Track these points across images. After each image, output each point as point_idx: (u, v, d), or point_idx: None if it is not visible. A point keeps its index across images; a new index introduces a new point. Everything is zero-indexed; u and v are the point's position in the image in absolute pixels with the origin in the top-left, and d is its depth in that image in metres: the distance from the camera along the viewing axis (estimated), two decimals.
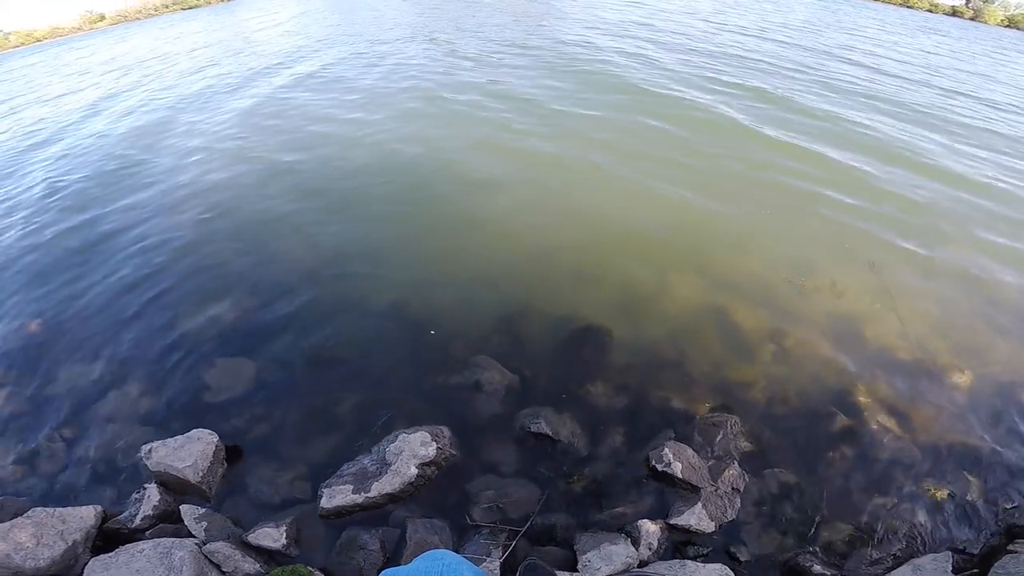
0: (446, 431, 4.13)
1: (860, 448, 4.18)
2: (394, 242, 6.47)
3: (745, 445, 4.13)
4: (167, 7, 44.57)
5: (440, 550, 1.77)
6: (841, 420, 4.33)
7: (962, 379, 4.75)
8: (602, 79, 12.42)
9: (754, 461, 4.03)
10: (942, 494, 3.88)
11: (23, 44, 41.29)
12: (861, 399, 4.52)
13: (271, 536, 3.47)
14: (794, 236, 6.65)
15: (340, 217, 7.01)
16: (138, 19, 43.92)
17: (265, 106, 12.06)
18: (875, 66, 16.47)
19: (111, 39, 32.27)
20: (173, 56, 21.12)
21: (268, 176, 8.29)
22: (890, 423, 4.35)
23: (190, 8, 44.88)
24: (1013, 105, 14.03)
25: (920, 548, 3.54)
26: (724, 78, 12.80)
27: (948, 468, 4.07)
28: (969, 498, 3.88)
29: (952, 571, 3.13)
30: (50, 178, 9.66)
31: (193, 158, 9.58)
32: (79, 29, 44.15)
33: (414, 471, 3.77)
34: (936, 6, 52.90)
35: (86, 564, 3.18)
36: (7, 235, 7.72)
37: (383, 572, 1.65)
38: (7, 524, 3.35)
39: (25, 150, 11.72)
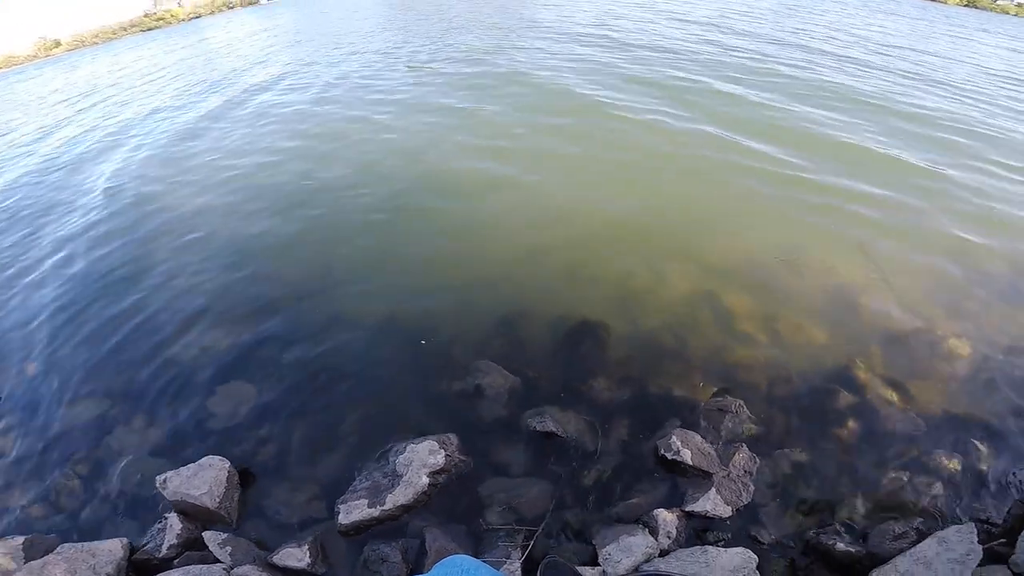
0: (453, 438, 4.15)
1: (865, 423, 4.24)
2: (382, 252, 6.50)
3: (752, 428, 4.17)
4: (125, 30, 43.98)
5: (458, 556, 1.83)
6: (844, 397, 4.39)
7: (960, 347, 4.84)
8: (572, 81, 12.37)
9: (763, 443, 4.07)
10: (955, 465, 3.91)
11: None
12: (861, 374, 4.59)
13: (295, 556, 3.48)
14: (781, 219, 6.78)
15: (323, 231, 7.08)
16: (96, 43, 43.36)
17: (232, 123, 12.12)
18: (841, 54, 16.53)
19: (65, 67, 31.80)
20: (129, 80, 20.86)
21: (243, 195, 8.32)
22: (893, 396, 4.43)
23: (148, 30, 44.35)
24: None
25: (941, 521, 3.56)
26: (687, 73, 12.78)
27: (957, 438, 4.12)
28: (983, 467, 3.93)
29: (979, 542, 3.08)
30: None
31: (164, 182, 9.66)
32: (35, 57, 43.53)
33: (425, 480, 3.79)
34: None
35: None
36: None
37: None
38: (39, 562, 3.35)
39: None
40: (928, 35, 25.24)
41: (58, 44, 45.47)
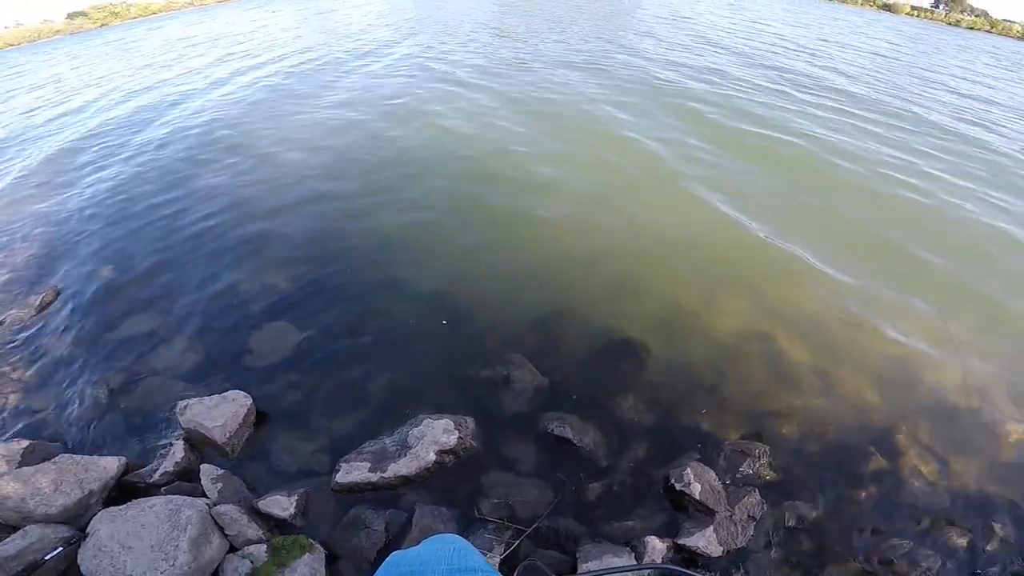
0: (470, 422, 3.87)
1: (889, 490, 3.73)
2: (440, 231, 6.17)
3: (770, 475, 3.73)
4: None
5: (450, 534, 1.61)
6: (876, 460, 3.87)
7: (1015, 432, 4.18)
8: (682, 91, 11.58)
9: (776, 491, 3.64)
10: (963, 542, 3.44)
11: (140, 16, 42.29)
12: (901, 441, 4.03)
13: (281, 504, 3.28)
14: (860, 271, 5.80)
15: (399, 202, 6.76)
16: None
17: (352, 90, 11.66)
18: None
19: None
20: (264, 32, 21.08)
21: (341, 157, 8.00)
22: (927, 468, 3.88)
23: None
24: None
25: None
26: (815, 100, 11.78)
27: (977, 517, 3.61)
28: (990, 548, 3.44)
29: None
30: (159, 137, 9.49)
31: (278, 134, 9.38)
32: (190, 4, 45.26)
33: (432, 457, 3.53)
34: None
35: (95, 515, 2.82)
36: (103, 182, 7.57)
37: (390, 555, 1.42)
38: (32, 468, 3.26)
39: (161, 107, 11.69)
40: None
41: None
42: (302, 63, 14.85)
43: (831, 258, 5.88)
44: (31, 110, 13.71)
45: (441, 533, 3.18)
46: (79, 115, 12.27)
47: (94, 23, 41.86)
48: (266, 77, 13.48)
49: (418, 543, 1.55)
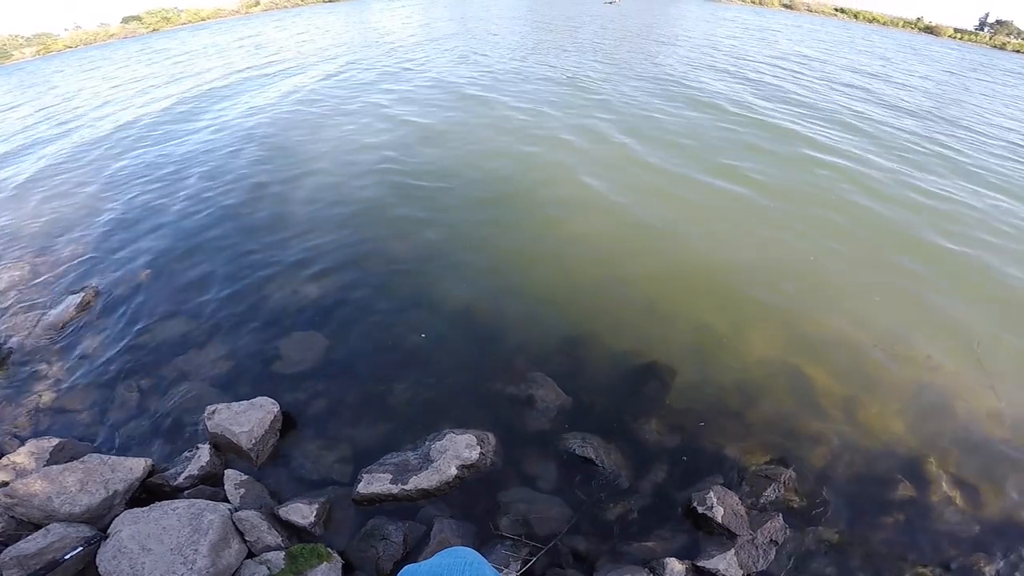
0: (492, 438, 3.75)
1: (915, 517, 3.54)
2: (478, 250, 6.03)
3: (795, 500, 3.55)
4: None
5: (462, 548, 1.51)
6: (904, 488, 3.68)
7: None
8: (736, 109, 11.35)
9: (800, 517, 3.46)
10: (990, 569, 3.25)
11: (191, 22, 43.16)
12: (931, 470, 3.82)
13: (301, 512, 3.18)
14: (896, 304, 5.52)
15: (431, 218, 6.63)
16: (286, 7, 45.75)
17: (390, 106, 11.61)
18: None
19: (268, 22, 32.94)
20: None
21: (375, 173, 7.94)
22: (956, 497, 3.67)
23: (331, 1, 46.36)
24: None
25: None
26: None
27: (1007, 546, 3.40)
28: None
29: None
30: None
31: (318, 149, 9.32)
32: (237, 12, 46.14)
33: (454, 471, 3.42)
34: None
35: (117, 516, 2.70)
36: (147, 187, 7.60)
37: (403, 569, 1.37)
38: (60, 467, 3.20)
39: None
40: None
41: (257, 3, 47.86)
42: (340, 75, 14.90)
43: (862, 286, 5.68)
44: (67, 115, 13.93)
45: (454, 547, 3.06)
46: (125, 120, 12.45)
47: (146, 28, 42.91)
48: (310, 87, 13.54)
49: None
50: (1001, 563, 3.30)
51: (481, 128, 9.86)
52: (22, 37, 42.10)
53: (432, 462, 3.47)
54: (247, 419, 3.64)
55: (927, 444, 4.00)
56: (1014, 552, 3.37)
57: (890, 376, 4.56)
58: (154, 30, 42.55)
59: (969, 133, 11.97)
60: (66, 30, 44.84)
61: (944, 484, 3.72)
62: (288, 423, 3.86)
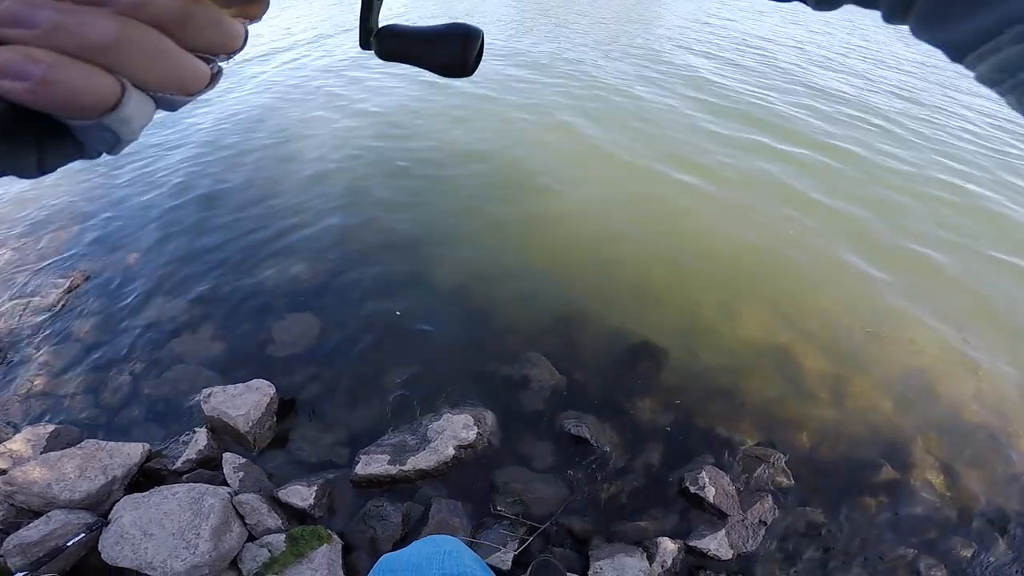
0: (489, 418, 3.76)
1: (898, 500, 3.61)
2: (469, 230, 5.96)
3: (784, 481, 3.61)
4: None
5: (441, 536, 1.54)
6: (887, 471, 3.74)
7: None
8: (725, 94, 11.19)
9: (788, 497, 3.52)
10: (967, 553, 3.35)
11: None
12: (914, 454, 3.88)
13: (300, 495, 3.18)
14: (884, 284, 5.48)
15: (424, 201, 6.53)
16: None
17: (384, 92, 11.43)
18: None
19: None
20: None
21: (371, 154, 7.82)
22: (937, 481, 3.75)
23: None
24: None
25: None
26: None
27: (983, 529, 3.50)
28: (992, 559, 3.35)
29: None
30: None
31: (314, 131, 9.13)
32: None
33: (451, 451, 3.43)
34: None
35: (117, 501, 2.69)
36: (136, 170, 7.49)
37: (382, 557, 1.39)
38: (58, 453, 3.17)
39: None
40: None
41: None
42: (329, 54, 14.63)
43: (856, 267, 5.68)
44: None
45: (455, 529, 3.15)
46: None
47: None
48: (297, 67, 13.29)
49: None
50: (977, 546, 3.38)
51: (481, 108, 9.73)
52: None
53: (430, 442, 3.48)
54: (243, 402, 3.61)
55: (911, 427, 4.06)
56: (990, 536, 3.45)
57: (876, 359, 4.61)
58: None
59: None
60: None
61: (926, 468, 3.79)
62: (284, 405, 3.83)
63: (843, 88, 12.45)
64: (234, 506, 3.00)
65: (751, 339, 4.67)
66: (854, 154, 8.40)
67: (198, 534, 2.71)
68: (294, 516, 3.17)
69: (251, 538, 2.96)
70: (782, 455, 3.67)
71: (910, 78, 14.34)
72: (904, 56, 16.31)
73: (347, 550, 3.02)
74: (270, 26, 19.84)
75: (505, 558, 2.99)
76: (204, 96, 0.40)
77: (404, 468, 3.33)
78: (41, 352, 4.40)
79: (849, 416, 4.09)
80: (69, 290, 5.01)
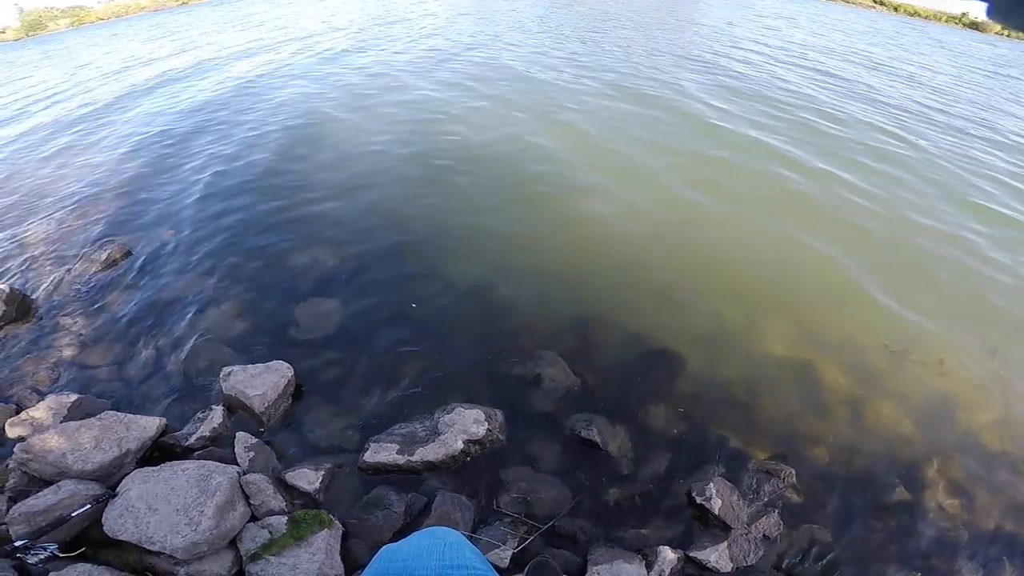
0: (500, 415, 3.73)
1: (908, 522, 3.48)
2: (493, 227, 5.93)
3: (792, 497, 3.50)
4: None
5: (442, 528, 1.50)
6: (900, 493, 3.62)
7: None
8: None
9: (795, 513, 3.42)
10: None
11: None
12: (929, 475, 3.74)
13: (307, 478, 3.20)
14: (914, 303, 5.29)
15: (451, 194, 6.56)
16: None
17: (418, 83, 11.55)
18: None
19: None
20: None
21: (399, 146, 7.85)
22: (952, 504, 3.60)
23: None
24: None
25: None
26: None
27: (993, 555, 3.36)
28: None
29: None
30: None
31: (348, 119, 9.39)
32: None
33: (460, 445, 3.41)
34: None
35: (127, 474, 2.71)
36: (177, 151, 7.63)
37: (383, 548, 1.36)
38: (77, 423, 3.21)
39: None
40: None
41: None
42: (367, 49, 14.71)
43: (882, 285, 5.48)
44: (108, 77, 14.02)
45: (456, 523, 3.12)
46: (154, 86, 12.56)
47: (176, 1, 42.61)
48: (339, 57, 13.40)
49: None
50: (982, 571, 3.26)
51: (513, 107, 9.69)
52: (57, 9, 42.44)
53: (439, 435, 3.47)
54: (261, 382, 3.66)
55: (928, 449, 3.92)
56: (998, 562, 3.32)
57: (899, 379, 4.46)
58: (183, 3, 42.24)
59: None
60: (99, 2, 44.69)
61: (939, 492, 3.65)
62: (300, 388, 3.87)
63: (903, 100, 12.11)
64: (241, 485, 3.02)
65: (771, 352, 4.54)
66: (894, 176, 8.15)
67: (202, 511, 2.73)
68: (298, 498, 3.18)
69: (253, 518, 2.97)
70: (792, 470, 3.56)
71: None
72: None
73: (347, 536, 3.01)
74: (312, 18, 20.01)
75: (503, 556, 2.96)
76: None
77: (412, 458, 3.32)
78: (74, 321, 4.52)
79: (865, 435, 3.96)
80: (107, 263, 5.12)
